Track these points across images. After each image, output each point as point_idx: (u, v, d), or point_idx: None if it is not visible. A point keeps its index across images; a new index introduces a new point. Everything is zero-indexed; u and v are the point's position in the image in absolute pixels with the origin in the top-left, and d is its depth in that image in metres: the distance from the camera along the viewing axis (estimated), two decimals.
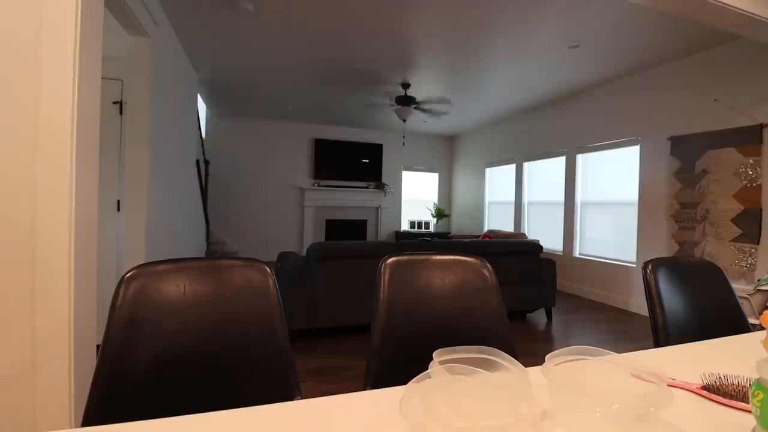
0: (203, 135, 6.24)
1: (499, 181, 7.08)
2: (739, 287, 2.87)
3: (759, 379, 0.45)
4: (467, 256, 1.09)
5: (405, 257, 1.06)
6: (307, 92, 5.44)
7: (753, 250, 3.36)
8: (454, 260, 1.08)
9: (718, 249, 3.61)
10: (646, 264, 1.26)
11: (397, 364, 0.93)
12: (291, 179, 7.37)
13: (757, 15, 2.28)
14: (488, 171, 7.33)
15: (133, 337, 0.75)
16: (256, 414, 0.58)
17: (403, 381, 0.47)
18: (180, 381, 0.76)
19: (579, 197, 5.23)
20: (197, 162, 4.94)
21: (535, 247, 3.98)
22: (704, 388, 0.65)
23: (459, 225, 8.33)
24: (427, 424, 0.40)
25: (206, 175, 5.35)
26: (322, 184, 7.47)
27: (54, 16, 1.18)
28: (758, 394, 0.45)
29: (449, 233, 8.04)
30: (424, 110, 5.78)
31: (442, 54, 4.12)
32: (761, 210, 3.31)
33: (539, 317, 4.08)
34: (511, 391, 0.46)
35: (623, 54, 3.94)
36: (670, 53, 3.88)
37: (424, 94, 5.32)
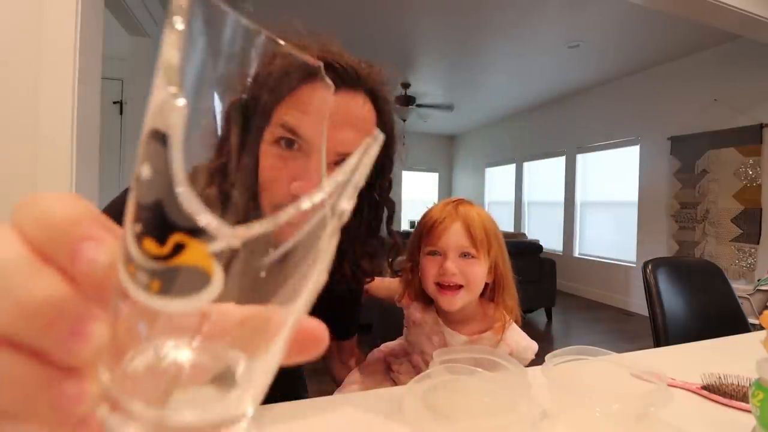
0: None
1: (499, 181, 7.07)
2: (739, 287, 2.87)
3: (759, 379, 0.45)
4: None
5: None
6: None
7: (753, 250, 3.36)
8: None
9: (718, 249, 3.61)
10: (646, 264, 1.26)
11: None
12: None
13: (757, 15, 2.28)
14: (488, 171, 7.33)
15: None
16: (256, 414, 0.58)
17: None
18: None
19: (579, 197, 5.23)
20: None
21: (535, 247, 3.98)
22: (704, 388, 0.65)
23: None
24: (427, 424, 0.40)
25: None
26: None
27: (54, 16, 1.18)
28: (758, 394, 0.45)
29: None
30: (425, 116, 5.77)
31: (442, 54, 4.12)
32: (761, 210, 3.31)
33: (539, 317, 4.07)
34: (511, 391, 0.46)
35: (623, 54, 3.94)
36: (670, 53, 3.88)
37: (424, 94, 5.32)
